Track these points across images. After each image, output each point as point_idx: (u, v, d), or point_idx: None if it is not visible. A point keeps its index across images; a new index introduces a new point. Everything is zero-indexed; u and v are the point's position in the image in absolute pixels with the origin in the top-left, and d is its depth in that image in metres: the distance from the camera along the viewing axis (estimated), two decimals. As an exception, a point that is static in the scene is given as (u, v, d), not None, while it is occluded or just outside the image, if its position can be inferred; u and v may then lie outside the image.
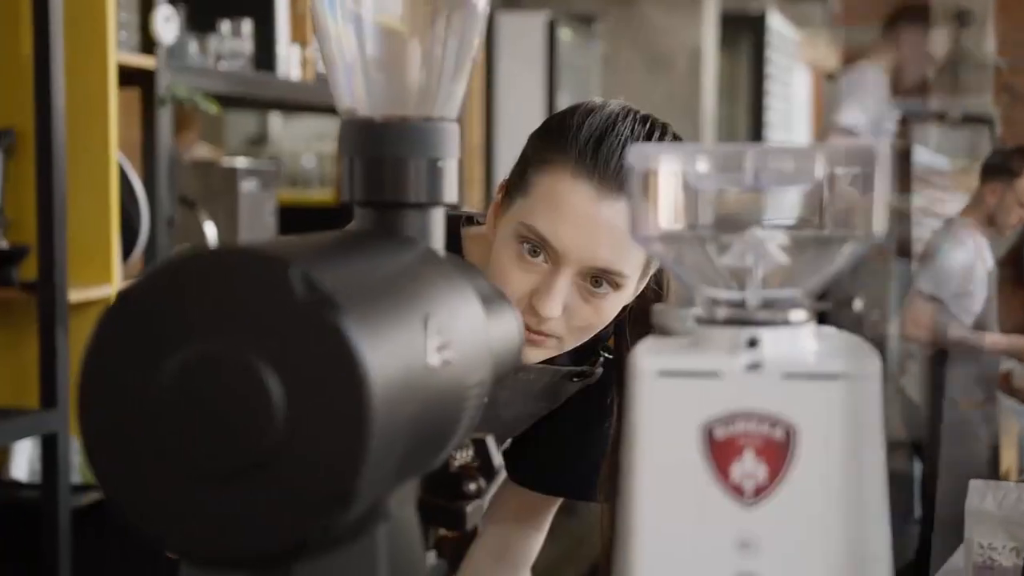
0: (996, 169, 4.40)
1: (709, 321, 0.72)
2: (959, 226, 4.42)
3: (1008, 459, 4.29)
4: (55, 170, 2.34)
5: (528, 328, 1.25)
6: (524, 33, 5.41)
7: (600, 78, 5.53)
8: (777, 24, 7.44)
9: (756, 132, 7.38)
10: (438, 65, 0.83)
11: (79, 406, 0.64)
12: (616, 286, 1.25)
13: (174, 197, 2.81)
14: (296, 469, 0.61)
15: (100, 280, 2.49)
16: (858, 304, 3.57)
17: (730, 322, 0.71)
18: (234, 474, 0.61)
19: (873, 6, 10.11)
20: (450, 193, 0.83)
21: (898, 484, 4.08)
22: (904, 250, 4.89)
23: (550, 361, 1.37)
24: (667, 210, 0.72)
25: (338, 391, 0.60)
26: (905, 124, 4.65)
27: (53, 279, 2.33)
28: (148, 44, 2.64)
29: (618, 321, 1.37)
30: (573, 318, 1.27)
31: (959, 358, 4.28)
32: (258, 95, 3.17)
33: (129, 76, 2.62)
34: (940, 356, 4.35)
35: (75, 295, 2.41)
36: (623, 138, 1.25)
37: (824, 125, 4.52)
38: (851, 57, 9.96)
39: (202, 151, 3.95)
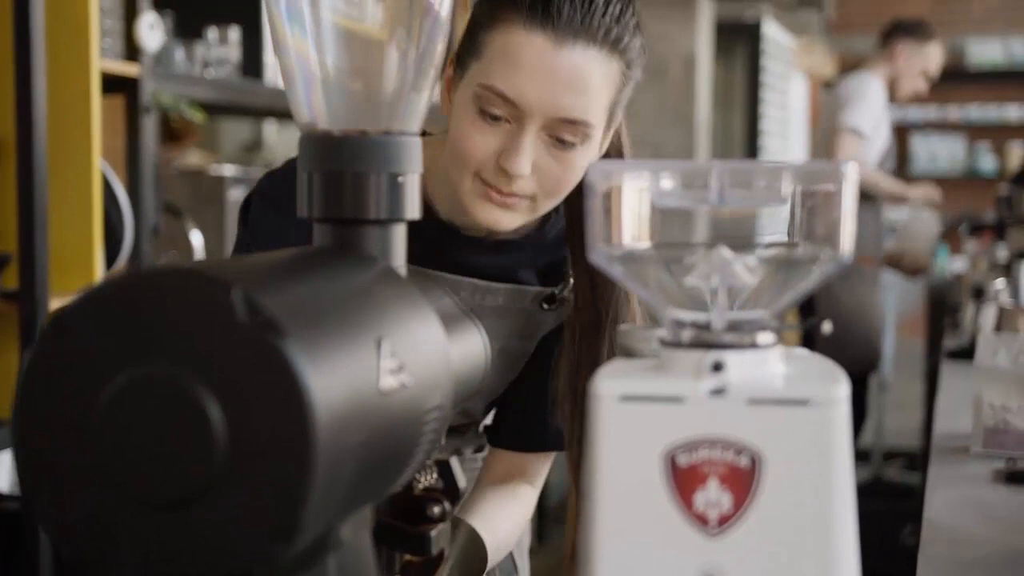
0: (907, 31, 4.50)
1: (674, 344, 0.69)
2: (869, 73, 4.51)
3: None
4: (36, 178, 2.32)
5: (499, 191, 1.24)
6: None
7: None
8: (773, 32, 7.43)
9: (752, 140, 7.37)
10: (399, 77, 0.80)
11: (13, 429, 0.62)
12: (583, 137, 1.23)
13: (159, 205, 2.78)
14: (238, 498, 0.58)
15: (82, 289, 2.47)
16: (827, 327, 3.58)
17: (695, 345, 0.69)
18: (173, 502, 0.59)
19: (868, 15, 10.11)
20: (412, 209, 0.80)
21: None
22: (897, 262, 4.93)
23: (518, 283, 1.37)
24: (629, 228, 0.70)
25: (281, 418, 0.58)
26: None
27: (34, 289, 2.30)
28: (133, 51, 2.62)
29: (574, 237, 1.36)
30: (543, 176, 1.24)
31: (861, 210, 4.43)
32: (245, 103, 3.14)
33: (113, 83, 2.59)
34: None
35: (57, 304, 2.38)
36: None
37: (827, 127, 4.52)
38: (847, 65, 9.96)
39: (194, 158, 3.93)
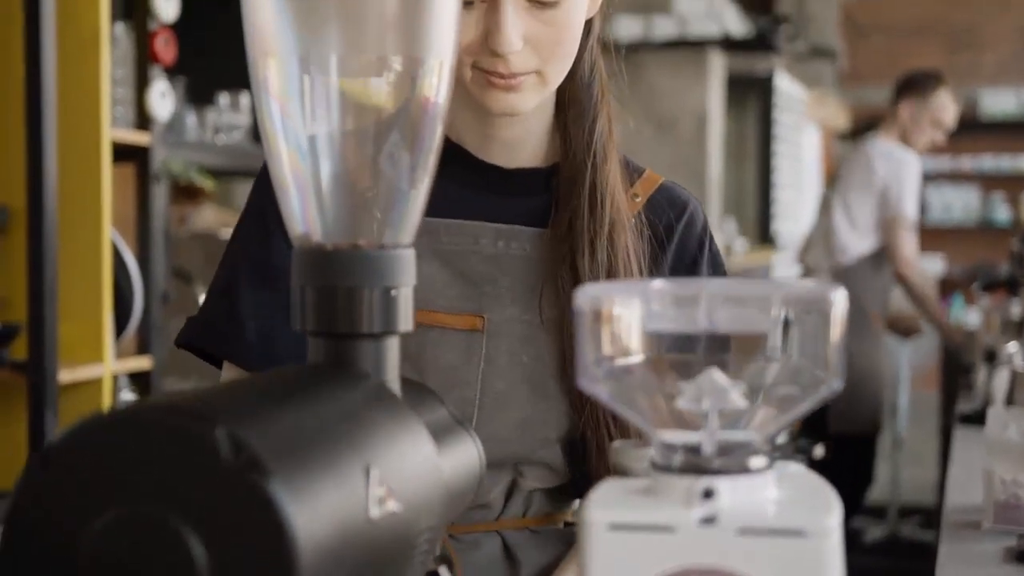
0: (910, 86, 4.51)
1: (664, 468, 0.69)
2: (901, 150, 4.48)
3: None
4: (46, 248, 2.33)
5: (500, 75, 1.16)
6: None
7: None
8: (785, 84, 7.45)
9: (764, 193, 7.37)
10: (393, 188, 0.80)
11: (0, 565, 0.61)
12: None
13: (169, 272, 2.79)
14: (222, 638, 0.58)
15: (92, 359, 2.47)
16: (819, 451, 3.62)
17: (685, 470, 0.68)
18: (157, 643, 0.58)
19: (881, 66, 10.14)
20: (406, 321, 0.80)
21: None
22: (894, 323, 4.93)
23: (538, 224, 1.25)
24: (617, 351, 0.70)
25: (266, 558, 0.57)
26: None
27: (43, 360, 2.30)
28: (144, 120, 2.63)
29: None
30: (539, 45, 1.15)
31: (873, 267, 4.43)
32: (256, 168, 3.15)
33: (124, 152, 2.61)
34: (855, 270, 4.45)
35: (66, 375, 2.39)
36: None
37: (885, 215, 4.45)
38: (860, 116, 9.99)
39: (208, 215, 3.94)
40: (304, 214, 0.80)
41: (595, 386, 0.70)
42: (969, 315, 8.71)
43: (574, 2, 1.16)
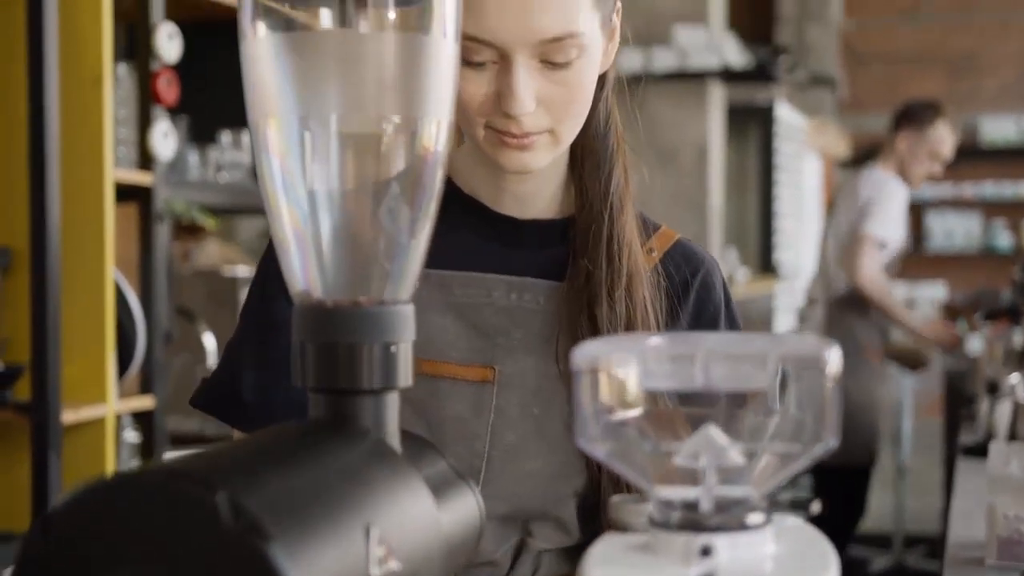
0: (907, 118, 4.50)
1: (662, 524, 0.69)
2: (887, 177, 4.49)
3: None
4: (49, 290, 2.34)
5: (512, 135, 1.15)
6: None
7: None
8: (785, 114, 7.47)
9: (766, 222, 7.39)
10: (392, 245, 0.81)
11: (3, 631, 0.62)
12: (578, 50, 1.13)
13: (171, 310, 2.80)
14: None
15: (95, 399, 2.48)
16: (815, 507, 3.62)
17: (683, 527, 0.68)
18: None
19: (881, 93, 10.17)
20: (405, 377, 0.81)
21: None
22: (899, 356, 4.92)
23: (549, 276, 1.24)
24: (615, 409, 0.70)
25: (266, 622, 0.58)
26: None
27: (46, 401, 2.31)
28: (146, 160, 2.65)
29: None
30: (551, 105, 1.14)
31: (865, 305, 4.43)
32: (258, 205, 3.17)
33: (127, 191, 2.62)
34: (849, 301, 4.45)
35: (69, 416, 2.39)
36: None
37: (845, 224, 4.50)
38: (860, 144, 10.02)
39: (212, 250, 3.95)
40: (304, 271, 0.81)
41: (593, 444, 0.70)
42: (972, 342, 8.71)
43: (586, 61, 1.15)
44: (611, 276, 1.20)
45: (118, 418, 2.62)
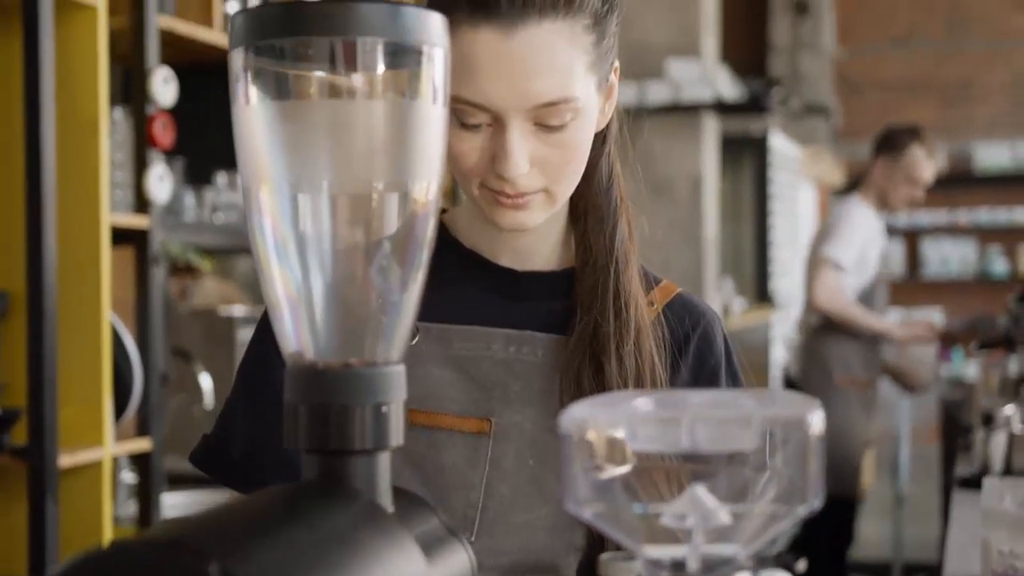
0: (883, 145, 4.50)
1: (651, 585, 0.70)
2: (855, 202, 4.50)
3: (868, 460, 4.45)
4: (46, 334, 2.35)
5: (507, 195, 1.16)
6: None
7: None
8: (779, 143, 7.50)
9: (761, 251, 7.41)
10: (382, 308, 0.83)
11: None
12: (572, 113, 1.14)
13: (168, 352, 2.81)
14: None
15: (92, 443, 2.48)
16: (801, 565, 3.63)
17: (672, 587, 0.69)
18: None
19: (875, 121, 10.22)
20: (396, 436, 0.82)
21: None
22: (892, 375, 4.90)
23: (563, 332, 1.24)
24: (603, 470, 0.72)
25: None
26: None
27: (43, 445, 2.32)
28: (142, 203, 2.66)
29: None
30: (546, 166, 1.15)
31: (843, 333, 4.40)
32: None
33: (123, 234, 2.63)
34: (823, 330, 4.43)
35: (66, 459, 2.40)
36: None
37: (813, 255, 4.55)
38: (855, 172, 10.05)
39: (209, 288, 3.96)
40: (296, 333, 0.82)
41: (581, 506, 0.72)
42: (968, 368, 8.71)
43: (581, 122, 1.16)
44: (619, 330, 1.21)
45: (115, 460, 2.63)
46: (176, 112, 2.75)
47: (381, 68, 0.79)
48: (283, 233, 0.81)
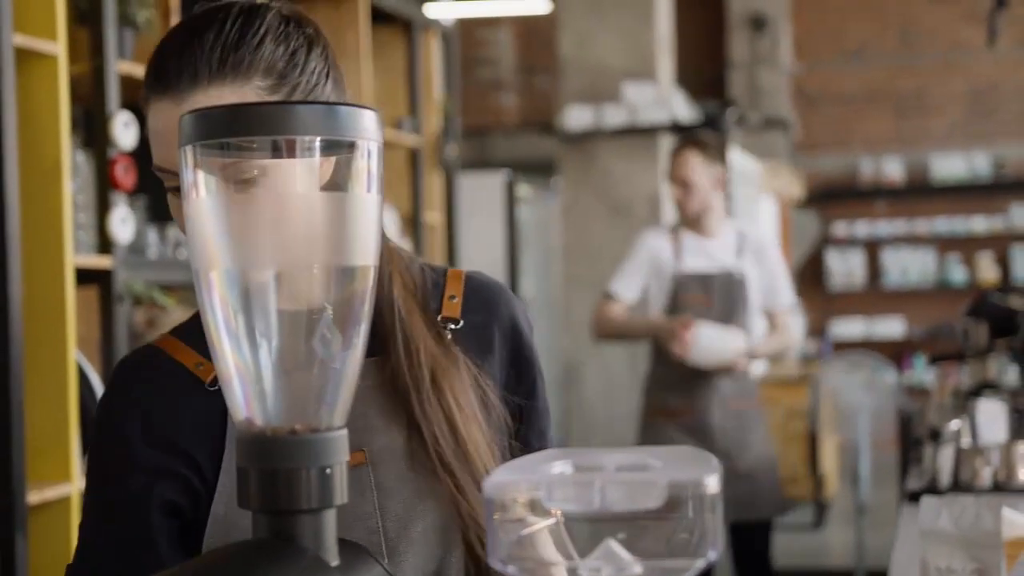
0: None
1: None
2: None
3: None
4: (12, 373, 2.40)
5: None
6: (485, 191, 5.55)
7: (560, 227, 5.65)
8: (738, 160, 7.60)
9: (722, 266, 7.50)
10: (324, 378, 0.90)
11: None
12: (261, 170, 1.12)
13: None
14: None
15: (60, 479, 2.54)
16: None
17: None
18: None
19: (834, 133, 10.36)
20: (340, 495, 0.89)
21: None
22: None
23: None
24: (523, 530, 0.79)
25: None
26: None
27: (11, 481, 2.37)
28: (105, 244, 2.72)
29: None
30: None
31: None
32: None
33: (87, 275, 2.69)
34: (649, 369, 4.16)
35: (35, 496, 2.45)
36: (187, 31, 1.20)
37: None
38: (814, 184, 10.19)
39: (176, 318, 4.00)
40: (246, 402, 0.89)
41: (505, 563, 0.79)
42: (927, 376, 8.84)
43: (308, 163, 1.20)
44: (416, 378, 1.26)
45: (82, 495, 2.68)
46: (137, 151, 2.82)
47: (319, 162, 0.87)
48: (231, 311, 0.88)
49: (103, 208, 2.71)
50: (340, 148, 0.88)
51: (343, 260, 0.88)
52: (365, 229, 0.89)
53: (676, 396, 4.15)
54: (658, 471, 0.78)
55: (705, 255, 4.15)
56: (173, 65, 1.18)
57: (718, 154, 4.19)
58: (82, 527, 1.28)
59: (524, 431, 1.35)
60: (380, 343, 1.27)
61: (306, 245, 0.87)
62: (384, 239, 1.31)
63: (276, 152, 0.88)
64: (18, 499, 2.39)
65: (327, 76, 1.24)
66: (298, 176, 0.88)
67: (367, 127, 0.88)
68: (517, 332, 1.36)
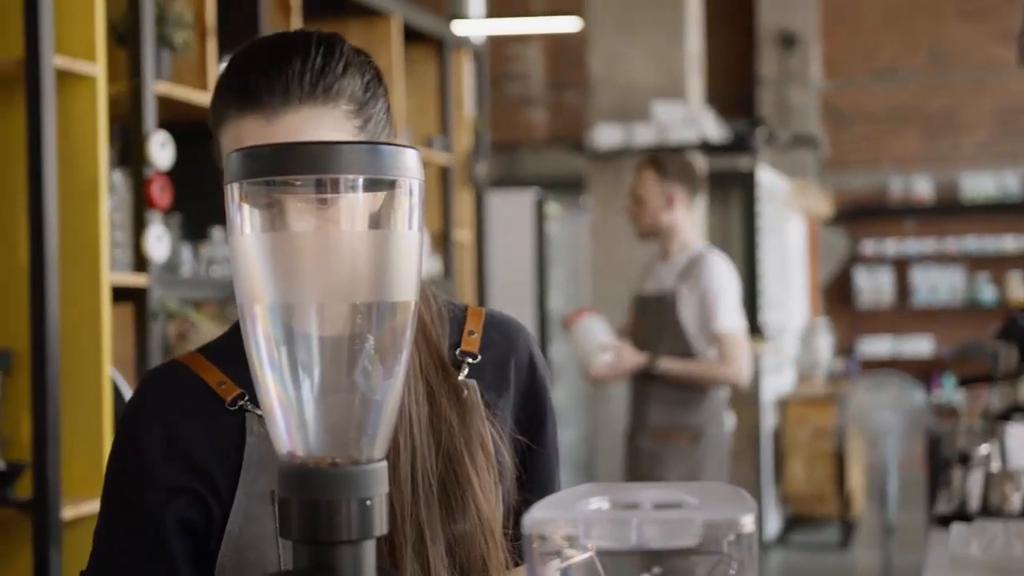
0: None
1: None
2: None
3: None
4: (49, 390, 2.44)
5: None
6: (514, 208, 5.57)
7: (590, 245, 5.65)
8: (767, 178, 7.60)
9: (750, 284, 7.49)
10: (364, 410, 0.92)
11: None
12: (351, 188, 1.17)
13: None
14: None
15: (94, 495, 2.56)
16: None
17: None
18: None
19: (863, 151, 10.34)
20: (380, 526, 0.91)
21: None
22: None
23: None
24: (561, 563, 0.81)
25: None
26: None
27: (47, 498, 2.40)
28: (141, 262, 2.75)
29: None
30: None
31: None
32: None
33: (123, 293, 2.72)
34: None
35: (69, 511, 2.48)
36: (271, 51, 1.22)
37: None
38: (843, 202, 10.16)
39: (207, 331, 4.03)
40: (288, 435, 0.91)
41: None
42: (957, 396, 8.79)
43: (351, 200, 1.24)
44: (409, 410, 1.26)
45: (116, 510, 2.70)
46: (173, 170, 2.85)
47: (361, 200, 0.89)
48: (274, 345, 0.90)
49: (139, 227, 2.75)
50: (382, 186, 0.90)
51: (385, 296, 0.90)
52: (407, 265, 0.91)
53: (628, 416, 4.17)
54: (694, 509, 0.80)
55: (655, 278, 4.15)
56: (263, 83, 1.20)
57: (677, 175, 4.12)
58: (97, 534, 1.29)
59: (530, 472, 1.35)
60: None
61: (348, 280, 0.89)
62: None
63: (319, 190, 0.90)
64: (53, 514, 2.42)
65: (388, 110, 1.28)
66: (340, 213, 0.90)
67: (409, 166, 0.90)
68: (533, 371, 1.37)
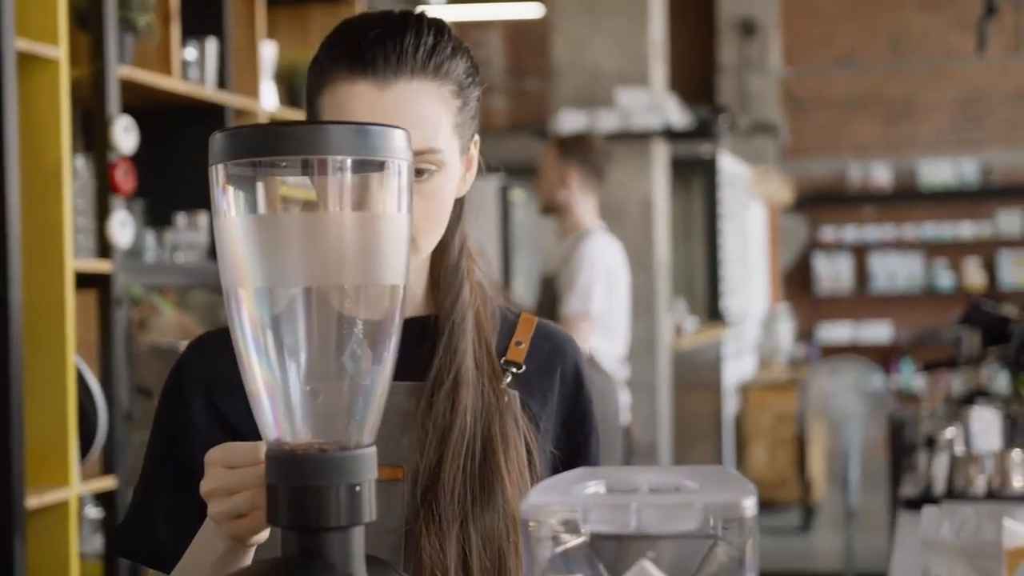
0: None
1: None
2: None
3: None
4: (12, 377, 2.40)
5: None
6: (478, 195, 5.52)
7: (554, 231, 5.63)
8: (728, 164, 7.63)
9: (712, 270, 7.52)
10: (352, 396, 0.90)
11: None
12: (438, 164, 1.22)
13: (131, 390, 2.86)
14: None
15: (58, 483, 2.53)
16: None
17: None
18: None
19: (823, 138, 10.38)
20: (369, 512, 0.89)
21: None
22: None
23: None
24: (558, 548, 0.79)
25: None
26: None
27: (11, 488, 2.36)
28: (105, 248, 2.72)
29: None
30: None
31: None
32: (214, 284, 3.24)
33: (87, 279, 2.69)
34: None
35: (33, 500, 2.45)
36: (386, 23, 1.24)
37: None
38: (803, 189, 10.21)
39: (169, 317, 3.99)
40: (275, 421, 0.90)
41: (539, 580, 0.79)
42: (916, 381, 8.86)
43: (447, 175, 1.24)
44: (442, 382, 1.27)
45: (80, 499, 2.67)
46: (136, 156, 2.81)
47: (349, 182, 0.87)
48: (261, 329, 0.89)
49: (103, 212, 2.71)
50: (370, 167, 0.88)
51: (373, 279, 0.89)
52: (395, 248, 0.89)
53: None
54: (693, 493, 0.79)
55: (553, 259, 4.22)
56: (379, 51, 1.21)
57: (576, 156, 4.11)
58: (139, 482, 1.30)
59: None
60: (423, 368, 1.28)
61: (335, 262, 0.88)
62: (468, 253, 1.32)
63: (306, 171, 0.88)
64: (17, 503, 2.39)
65: (479, 99, 1.30)
66: (328, 195, 0.88)
67: (398, 146, 0.89)
68: (579, 385, 1.37)
